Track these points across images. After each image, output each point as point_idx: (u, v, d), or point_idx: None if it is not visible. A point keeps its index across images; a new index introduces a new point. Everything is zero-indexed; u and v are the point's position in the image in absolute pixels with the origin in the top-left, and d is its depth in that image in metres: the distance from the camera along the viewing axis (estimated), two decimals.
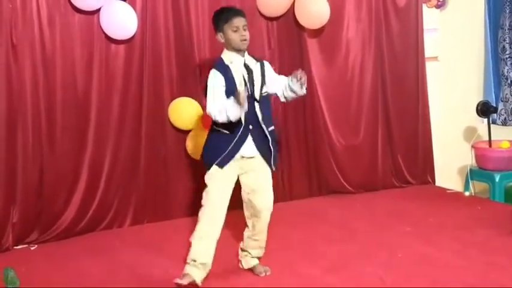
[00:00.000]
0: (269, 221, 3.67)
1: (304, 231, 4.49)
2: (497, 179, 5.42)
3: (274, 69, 5.20)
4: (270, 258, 3.90)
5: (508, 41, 6.08)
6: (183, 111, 4.86)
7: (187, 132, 4.91)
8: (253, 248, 3.71)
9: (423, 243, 4.08)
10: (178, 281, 3.41)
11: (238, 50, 3.51)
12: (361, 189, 5.66)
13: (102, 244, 4.48)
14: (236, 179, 3.61)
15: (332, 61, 5.48)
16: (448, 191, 5.65)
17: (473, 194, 5.66)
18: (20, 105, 4.40)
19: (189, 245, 3.57)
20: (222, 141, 3.52)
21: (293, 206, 5.31)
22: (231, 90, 3.41)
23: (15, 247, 4.43)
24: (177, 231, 4.70)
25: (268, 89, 3.61)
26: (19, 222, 4.45)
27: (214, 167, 3.52)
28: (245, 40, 3.49)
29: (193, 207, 5.07)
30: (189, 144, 4.89)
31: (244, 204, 3.67)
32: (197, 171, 5.06)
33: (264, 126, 3.52)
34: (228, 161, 3.50)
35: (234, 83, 3.44)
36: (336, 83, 5.50)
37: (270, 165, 3.61)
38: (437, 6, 5.99)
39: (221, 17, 3.53)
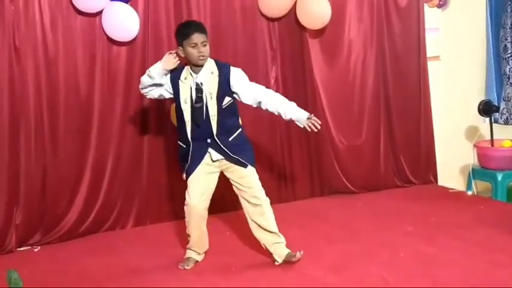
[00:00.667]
0: (270, 211, 3.80)
1: (306, 232, 4.49)
2: (499, 178, 5.41)
3: (276, 70, 5.28)
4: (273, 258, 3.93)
5: (509, 40, 6.08)
6: None
7: None
8: (267, 237, 3.80)
9: (426, 243, 4.08)
10: (186, 267, 3.83)
11: (197, 66, 3.61)
12: (363, 189, 5.66)
13: (105, 245, 4.49)
14: (217, 174, 3.81)
15: (334, 61, 5.48)
16: (451, 191, 5.65)
17: (475, 194, 5.66)
18: (23, 107, 4.41)
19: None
20: (183, 153, 3.79)
21: (295, 206, 5.31)
22: (179, 106, 3.68)
23: (18, 249, 4.44)
24: (181, 232, 4.70)
25: (241, 97, 3.73)
26: (22, 223, 4.46)
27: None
28: (203, 56, 3.58)
29: None
30: None
31: (240, 201, 3.83)
32: None
33: (218, 141, 3.66)
34: (193, 170, 3.72)
35: (179, 99, 3.68)
36: (338, 83, 5.50)
37: (242, 165, 3.75)
38: (439, 6, 5.99)
39: (181, 33, 3.64)
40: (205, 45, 3.59)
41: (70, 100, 4.59)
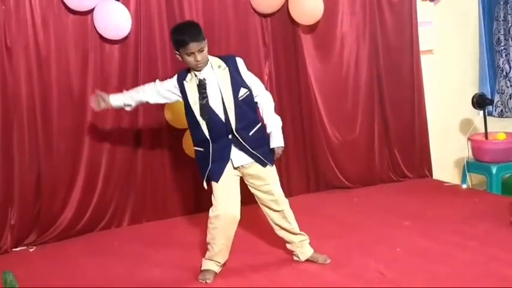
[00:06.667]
0: (291, 213, 3.75)
1: (302, 227, 4.41)
2: (494, 171, 5.43)
3: (269, 65, 5.26)
4: (269, 255, 3.92)
5: (502, 33, 6.08)
6: (179, 110, 4.84)
7: (183, 130, 4.90)
8: (292, 237, 3.77)
9: (422, 237, 4.08)
10: (207, 281, 3.57)
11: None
12: (358, 184, 5.66)
13: (101, 244, 4.48)
14: (237, 178, 3.64)
15: (327, 56, 5.47)
16: (446, 184, 5.65)
17: (470, 187, 5.67)
18: (16, 106, 4.38)
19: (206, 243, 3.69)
20: (202, 158, 3.60)
21: (291, 202, 5.23)
22: (187, 107, 3.57)
23: (13, 249, 4.43)
24: (176, 230, 4.72)
25: (252, 88, 3.61)
26: (17, 224, 4.44)
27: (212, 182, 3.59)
28: (200, 64, 3.48)
29: (192, 205, 5.10)
30: (185, 141, 4.88)
31: (260, 206, 3.74)
32: (194, 169, 5.06)
33: (238, 136, 3.50)
34: (220, 174, 3.55)
35: (188, 101, 3.55)
36: (331, 79, 5.49)
37: (263, 164, 3.62)
38: None
39: (176, 40, 3.51)
40: (202, 51, 3.45)
41: (63, 99, 4.56)
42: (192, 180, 5.06)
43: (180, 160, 5.01)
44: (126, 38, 4.67)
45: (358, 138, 5.65)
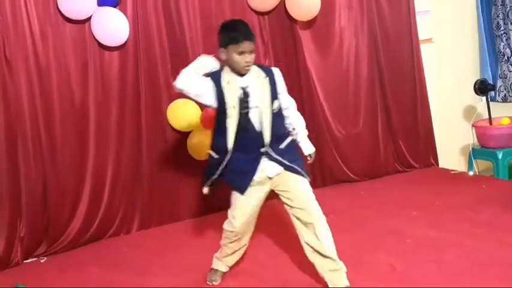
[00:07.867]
0: (325, 230, 3.40)
1: None
2: (500, 157, 5.42)
3: (269, 63, 5.25)
4: (280, 253, 3.92)
5: (501, 17, 6.05)
6: (181, 113, 4.85)
7: (187, 133, 4.90)
8: (320, 263, 3.36)
9: (431, 227, 4.08)
10: (214, 283, 3.61)
11: (239, 73, 3.28)
12: (365, 177, 5.66)
13: (111, 251, 4.49)
14: (265, 194, 3.47)
15: (326, 51, 5.47)
16: (452, 172, 5.65)
17: (477, 173, 5.66)
18: (18, 119, 4.38)
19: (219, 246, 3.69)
20: (213, 165, 3.45)
21: None
22: (223, 113, 3.27)
23: (24, 261, 4.42)
24: (185, 234, 4.71)
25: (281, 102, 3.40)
26: (27, 235, 4.44)
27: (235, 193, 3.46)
28: (249, 66, 3.25)
29: (199, 207, 5.09)
30: (190, 145, 4.88)
31: (292, 220, 3.44)
32: (199, 171, 5.06)
33: (272, 151, 3.32)
34: (245, 187, 3.37)
35: (225, 103, 3.26)
36: (332, 73, 5.49)
37: (300, 174, 3.43)
38: None
39: (228, 36, 3.26)
40: (252, 53, 3.22)
41: (65, 109, 4.56)
42: (198, 182, 5.05)
43: (186, 163, 5.01)
44: (124, 44, 4.66)
45: (362, 131, 5.64)
